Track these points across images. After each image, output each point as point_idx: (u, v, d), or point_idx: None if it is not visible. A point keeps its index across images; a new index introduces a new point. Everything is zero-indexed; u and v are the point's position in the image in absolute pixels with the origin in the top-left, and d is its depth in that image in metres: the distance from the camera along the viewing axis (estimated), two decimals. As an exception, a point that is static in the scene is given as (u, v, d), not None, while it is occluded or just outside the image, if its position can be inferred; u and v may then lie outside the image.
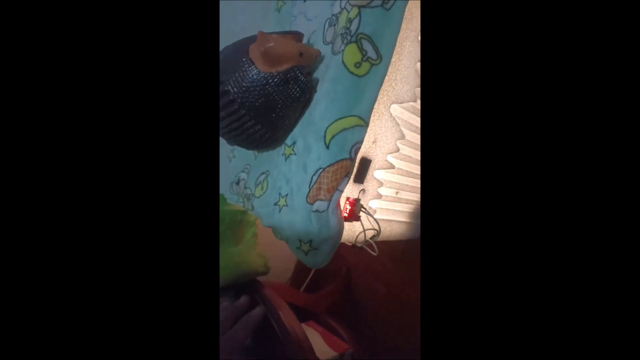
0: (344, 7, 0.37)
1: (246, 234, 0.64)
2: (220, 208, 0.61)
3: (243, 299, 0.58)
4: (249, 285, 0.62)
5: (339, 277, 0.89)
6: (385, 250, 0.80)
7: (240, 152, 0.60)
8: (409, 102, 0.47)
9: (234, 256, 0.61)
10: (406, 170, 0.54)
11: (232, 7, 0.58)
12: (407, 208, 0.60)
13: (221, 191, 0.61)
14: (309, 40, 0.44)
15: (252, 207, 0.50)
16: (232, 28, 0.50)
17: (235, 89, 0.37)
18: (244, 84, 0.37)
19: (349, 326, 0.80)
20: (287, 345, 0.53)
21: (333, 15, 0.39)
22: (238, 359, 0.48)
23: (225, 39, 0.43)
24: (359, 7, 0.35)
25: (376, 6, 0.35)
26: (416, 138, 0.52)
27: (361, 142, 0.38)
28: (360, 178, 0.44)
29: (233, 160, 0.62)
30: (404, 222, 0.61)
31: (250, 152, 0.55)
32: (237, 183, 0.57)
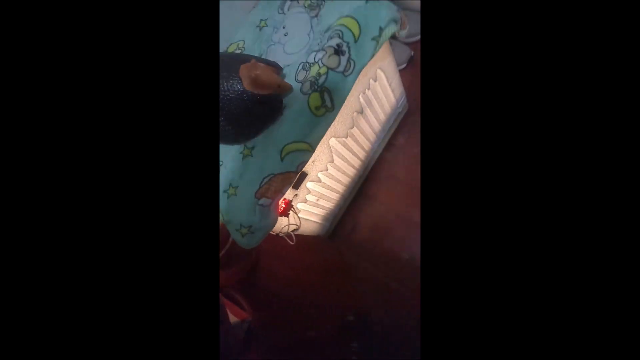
0: (317, 62, 0.50)
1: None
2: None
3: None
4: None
5: (248, 258, 1.00)
6: (296, 241, 0.96)
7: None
8: (343, 137, 0.64)
9: None
10: (328, 185, 0.71)
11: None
12: (322, 212, 0.77)
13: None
14: (283, 71, 0.55)
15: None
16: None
17: (221, 95, 0.45)
18: (229, 94, 0.45)
19: (251, 300, 0.93)
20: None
21: (307, 62, 0.51)
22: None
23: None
24: (328, 68, 0.49)
25: (339, 71, 0.50)
26: (341, 163, 0.70)
27: (306, 162, 0.52)
28: (297, 185, 0.58)
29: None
30: (317, 222, 0.78)
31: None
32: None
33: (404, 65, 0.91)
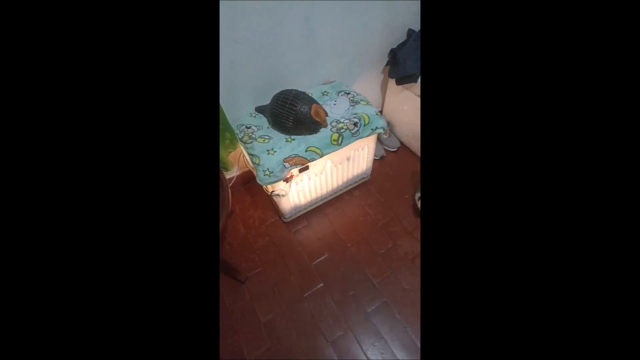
0: (344, 122, 1.03)
1: (228, 146, 1.06)
2: (229, 127, 1.05)
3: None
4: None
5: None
6: (260, 201, 1.33)
7: (264, 124, 1.11)
8: (333, 165, 1.13)
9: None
10: (309, 186, 1.16)
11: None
12: (295, 203, 1.20)
13: (239, 122, 1.08)
14: (327, 113, 1.06)
15: (251, 141, 1.01)
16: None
17: (300, 114, 0.94)
18: (301, 112, 0.95)
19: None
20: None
21: (340, 120, 1.03)
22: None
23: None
24: (347, 128, 1.01)
25: (351, 132, 1.02)
26: (323, 178, 1.17)
27: (314, 160, 0.99)
28: (302, 170, 1.03)
29: (257, 129, 1.12)
30: (289, 207, 1.20)
31: (271, 128, 1.08)
32: (249, 127, 1.06)
33: (395, 149, 1.50)
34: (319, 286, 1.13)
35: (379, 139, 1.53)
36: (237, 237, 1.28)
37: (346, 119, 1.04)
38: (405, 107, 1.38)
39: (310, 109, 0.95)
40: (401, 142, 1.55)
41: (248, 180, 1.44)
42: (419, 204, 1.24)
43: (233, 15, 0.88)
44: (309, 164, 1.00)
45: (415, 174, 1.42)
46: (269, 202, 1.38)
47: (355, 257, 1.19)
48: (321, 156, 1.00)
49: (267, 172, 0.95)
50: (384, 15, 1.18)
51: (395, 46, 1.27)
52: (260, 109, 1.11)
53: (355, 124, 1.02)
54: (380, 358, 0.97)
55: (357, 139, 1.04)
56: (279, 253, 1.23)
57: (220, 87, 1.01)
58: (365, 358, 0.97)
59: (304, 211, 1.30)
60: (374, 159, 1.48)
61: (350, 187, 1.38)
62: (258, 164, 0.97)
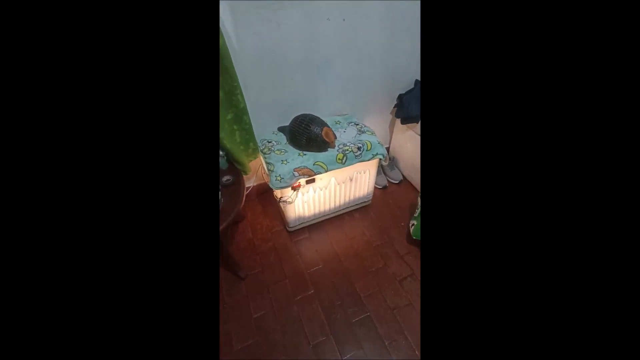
0: (349, 146, 1.20)
1: (250, 154, 1.26)
2: (254, 139, 1.26)
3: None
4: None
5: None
6: (270, 211, 1.47)
7: (282, 141, 1.32)
8: (337, 183, 1.29)
9: (241, 151, 1.22)
10: (312, 198, 1.31)
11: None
12: (306, 202, 1.34)
13: (262, 137, 1.29)
14: (335, 137, 1.25)
15: (270, 152, 1.20)
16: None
17: (312, 134, 1.14)
18: (314, 133, 1.14)
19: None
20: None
21: (346, 144, 1.21)
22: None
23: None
24: (351, 150, 1.19)
25: (355, 154, 1.19)
26: (326, 194, 1.32)
27: (320, 173, 1.16)
28: (309, 182, 1.20)
29: (276, 144, 1.32)
30: (293, 216, 1.34)
31: (288, 144, 1.28)
32: (270, 142, 1.27)
33: (397, 182, 1.64)
34: (310, 292, 1.21)
35: (384, 171, 1.68)
36: (244, 239, 1.42)
37: (352, 143, 1.21)
38: (408, 144, 1.55)
39: (322, 130, 1.15)
40: (403, 176, 1.69)
41: (262, 192, 1.62)
42: (412, 230, 1.34)
43: (260, 48, 1.13)
44: (315, 176, 1.17)
45: (412, 206, 1.54)
46: (277, 213, 1.52)
47: (347, 271, 1.28)
48: (326, 170, 1.16)
49: (279, 178, 1.12)
50: (396, 66, 1.41)
51: (403, 92, 1.49)
52: (281, 129, 1.32)
53: (359, 148, 1.19)
54: (357, 366, 1.01)
55: (359, 162, 1.21)
56: (279, 258, 1.34)
57: (251, 107, 1.23)
58: (342, 363, 1.02)
59: (307, 224, 1.43)
60: (377, 188, 1.62)
61: (351, 209, 1.51)
62: (272, 170, 1.14)
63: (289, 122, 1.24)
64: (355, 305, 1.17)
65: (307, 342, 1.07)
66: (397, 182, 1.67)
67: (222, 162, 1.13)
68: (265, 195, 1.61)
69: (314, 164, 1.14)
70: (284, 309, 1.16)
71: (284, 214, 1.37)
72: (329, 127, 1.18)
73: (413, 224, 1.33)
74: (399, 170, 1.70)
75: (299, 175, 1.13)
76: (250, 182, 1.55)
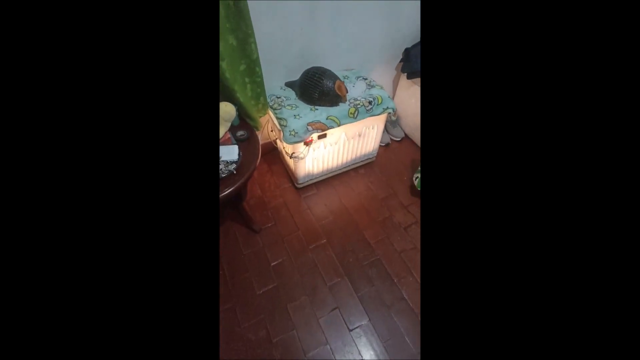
0: (361, 100, 1.21)
1: (260, 110, 1.25)
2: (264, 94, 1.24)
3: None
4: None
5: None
6: (276, 169, 1.51)
7: (292, 96, 1.30)
8: (347, 138, 1.32)
9: (248, 99, 1.20)
10: (323, 154, 1.34)
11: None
12: (316, 159, 1.38)
13: (271, 93, 1.27)
14: (347, 93, 1.25)
15: (280, 108, 1.19)
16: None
17: (325, 87, 1.13)
18: (326, 86, 1.13)
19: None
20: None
21: (357, 99, 1.22)
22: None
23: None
24: (362, 104, 1.20)
25: (366, 108, 1.21)
26: (336, 149, 1.35)
27: (332, 128, 1.18)
28: (320, 137, 1.22)
29: (286, 99, 1.31)
30: (303, 172, 1.38)
31: (298, 100, 1.27)
32: (279, 97, 1.25)
33: (399, 139, 1.69)
34: (322, 241, 1.30)
35: (386, 129, 1.71)
36: (254, 197, 1.45)
37: (363, 97, 1.22)
38: (413, 100, 1.57)
39: (334, 84, 1.14)
40: (405, 134, 1.73)
41: (268, 151, 1.62)
42: (416, 183, 1.42)
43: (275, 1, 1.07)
44: (327, 131, 1.19)
45: (414, 161, 1.61)
46: (284, 171, 1.55)
47: (355, 222, 1.36)
48: (339, 125, 1.18)
49: (293, 133, 1.13)
50: (404, 19, 1.38)
51: (409, 46, 1.47)
52: (289, 84, 1.30)
53: (370, 102, 1.21)
54: (371, 301, 1.13)
55: (370, 116, 1.23)
56: (290, 212, 1.40)
57: (261, 61, 1.20)
58: (357, 298, 1.13)
59: (315, 180, 1.48)
60: (380, 145, 1.66)
61: (357, 165, 1.56)
62: (285, 126, 1.15)
63: (299, 76, 1.22)
64: (365, 250, 1.27)
65: (323, 283, 1.18)
66: (399, 139, 1.71)
67: (235, 118, 1.12)
68: (270, 155, 1.62)
69: (326, 119, 1.16)
70: (299, 256, 1.25)
71: (293, 171, 1.40)
72: (341, 80, 1.18)
73: (417, 177, 1.41)
74: (401, 128, 1.74)
75: (313, 129, 1.15)
76: (255, 141, 1.54)
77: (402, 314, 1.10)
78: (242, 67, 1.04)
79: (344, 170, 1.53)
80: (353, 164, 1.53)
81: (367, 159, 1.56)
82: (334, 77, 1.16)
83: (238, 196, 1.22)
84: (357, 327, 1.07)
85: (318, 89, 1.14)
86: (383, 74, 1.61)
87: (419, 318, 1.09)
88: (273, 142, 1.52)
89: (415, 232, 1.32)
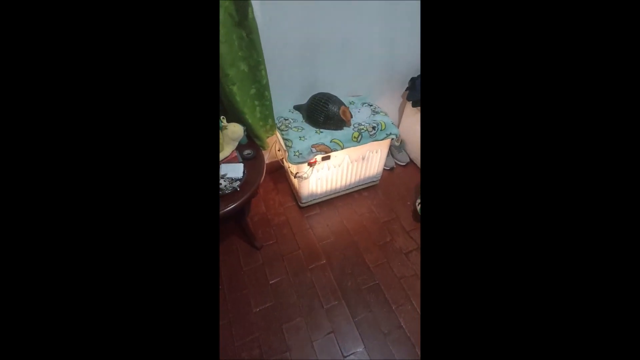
0: (364, 125, 1.26)
1: (268, 130, 1.31)
2: (272, 116, 1.30)
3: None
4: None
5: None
6: (281, 188, 1.54)
7: (299, 119, 1.36)
8: (350, 161, 1.35)
9: (256, 120, 1.26)
10: (326, 175, 1.37)
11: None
12: (320, 179, 1.41)
13: (279, 115, 1.33)
14: (352, 115, 1.30)
15: (287, 129, 1.25)
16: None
17: (330, 112, 1.18)
18: (332, 111, 1.19)
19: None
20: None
21: (361, 124, 1.27)
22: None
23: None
24: (366, 129, 1.24)
25: (370, 133, 1.25)
26: (339, 172, 1.38)
27: (335, 150, 1.21)
28: (324, 159, 1.26)
29: (293, 121, 1.37)
30: (306, 191, 1.41)
31: (304, 122, 1.32)
32: (286, 119, 1.31)
33: (404, 164, 1.71)
34: (322, 262, 1.30)
35: (391, 153, 1.74)
36: (258, 213, 1.49)
37: (367, 123, 1.27)
38: (417, 126, 1.60)
39: (339, 109, 1.19)
40: (410, 159, 1.76)
41: (274, 169, 1.67)
42: (418, 209, 1.42)
43: (285, 26, 1.15)
44: (331, 153, 1.22)
45: (418, 186, 1.61)
46: (289, 190, 1.59)
47: (356, 244, 1.36)
48: (342, 148, 1.22)
49: (297, 153, 1.18)
50: (409, 50, 1.45)
51: (415, 75, 1.53)
52: (297, 107, 1.36)
53: (373, 128, 1.25)
54: (367, 327, 1.11)
55: (373, 140, 1.27)
56: (292, 231, 1.41)
57: (271, 85, 1.27)
58: (353, 323, 1.11)
59: (319, 200, 1.50)
60: (385, 169, 1.69)
61: (360, 188, 1.58)
62: (290, 147, 1.20)
63: (306, 101, 1.28)
64: (364, 274, 1.26)
65: (320, 305, 1.16)
66: (404, 164, 1.73)
67: (243, 138, 1.18)
68: (276, 174, 1.67)
69: (330, 141, 1.20)
70: (298, 275, 1.25)
71: (297, 190, 1.43)
72: (346, 106, 1.23)
73: (419, 203, 1.41)
74: (406, 153, 1.77)
75: (316, 151, 1.19)
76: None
77: (398, 344, 1.07)
78: (252, 91, 1.11)
79: (348, 191, 1.55)
80: (357, 186, 1.56)
81: (371, 182, 1.58)
82: (339, 103, 1.21)
83: (241, 212, 1.25)
84: (351, 354, 1.05)
85: (323, 113, 1.19)
86: (389, 101, 1.66)
87: (417, 349, 1.06)
88: (280, 162, 1.57)
89: (416, 258, 1.31)
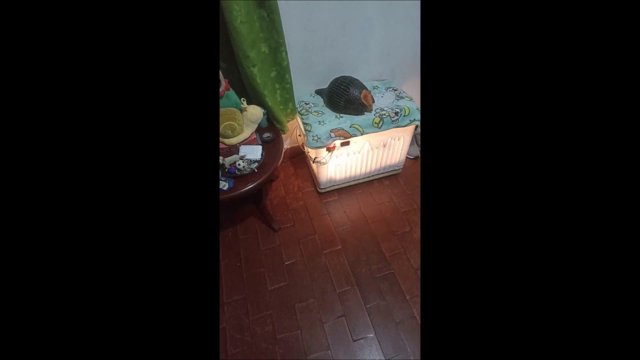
0: (387, 111, 1.21)
1: (288, 115, 1.32)
2: (293, 100, 1.30)
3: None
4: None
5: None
6: (301, 173, 1.56)
7: (319, 103, 1.35)
8: (370, 148, 1.32)
9: (277, 103, 1.27)
10: (345, 161, 1.35)
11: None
12: (338, 165, 1.40)
13: (300, 99, 1.33)
14: (374, 100, 1.26)
15: (307, 114, 1.24)
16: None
17: (351, 96, 1.16)
18: (353, 95, 1.16)
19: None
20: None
21: (383, 109, 1.23)
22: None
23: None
24: (388, 115, 1.20)
25: (392, 119, 1.20)
26: (359, 158, 1.36)
27: (355, 136, 1.19)
28: (343, 144, 1.24)
29: (313, 106, 1.36)
30: (325, 177, 1.40)
31: (325, 107, 1.31)
32: (307, 103, 1.30)
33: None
34: (337, 247, 1.30)
35: (416, 141, 1.67)
36: (277, 196, 1.52)
37: (389, 108, 1.22)
38: (446, 114, 1.52)
39: (360, 93, 1.16)
40: (437, 148, 1.68)
41: (295, 155, 1.68)
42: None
43: (309, 9, 1.13)
44: (350, 139, 1.20)
45: (444, 177, 1.54)
46: (308, 175, 1.59)
47: (373, 232, 1.35)
48: (362, 134, 1.19)
49: (316, 138, 1.17)
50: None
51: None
52: (318, 92, 1.35)
53: (396, 113, 1.20)
54: (379, 314, 1.10)
55: (396, 127, 1.22)
56: (309, 216, 1.43)
57: (292, 69, 1.26)
58: (365, 309, 1.11)
59: (337, 186, 1.49)
60: (409, 158, 1.63)
61: (381, 176, 1.54)
62: (310, 131, 1.19)
63: (328, 84, 1.26)
64: (380, 262, 1.24)
65: (333, 288, 1.18)
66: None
67: (263, 120, 1.20)
68: (297, 159, 1.68)
69: (350, 126, 1.18)
70: (313, 259, 1.26)
71: (315, 176, 1.44)
72: (367, 90, 1.20)
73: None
74: (433, 141, 1.69)
75: (335, 136, 1.18)
76: (284, 144, 1.61)
77: (411, 334, 1.06)
78: (273, 74, 1.11)
79: (368, 179, 1.53)
80: (377, 174, 1.52)
81: (392, 171, 1.54)
82: (361, 87, 1.18)
83: (259, 194, 1.29)
84: (361, 339, 1.05)
85: (344, 97, 1.17)
86: (416, 86, 1.58)
87: (428, 340, 1.04)
88: (301, 147, 1.57)
89: (435, 249, 1.26)
